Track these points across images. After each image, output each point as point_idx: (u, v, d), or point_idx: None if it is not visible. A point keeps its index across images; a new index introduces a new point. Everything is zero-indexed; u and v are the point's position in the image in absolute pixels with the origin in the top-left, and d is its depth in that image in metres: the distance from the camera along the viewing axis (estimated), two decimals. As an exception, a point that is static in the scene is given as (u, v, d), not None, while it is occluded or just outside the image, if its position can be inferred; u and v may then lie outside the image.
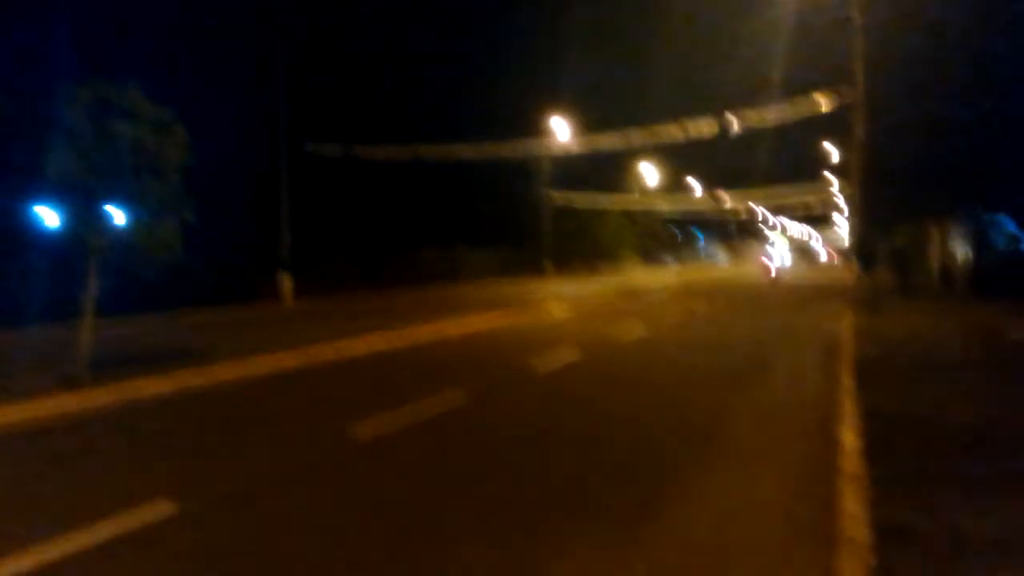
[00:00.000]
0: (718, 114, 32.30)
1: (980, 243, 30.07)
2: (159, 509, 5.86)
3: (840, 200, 71.90)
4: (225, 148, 33.21)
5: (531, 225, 53.03)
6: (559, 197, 55.39)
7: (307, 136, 36.02)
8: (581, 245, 61.72)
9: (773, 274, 45.82)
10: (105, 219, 11.61)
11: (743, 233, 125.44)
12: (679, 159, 71.96)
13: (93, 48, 31.63)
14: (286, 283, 29.79)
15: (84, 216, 11.47)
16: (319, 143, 37.36)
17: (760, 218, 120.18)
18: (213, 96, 35.24)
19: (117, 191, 11.31)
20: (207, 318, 23.06)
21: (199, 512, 5.89)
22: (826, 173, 65.28)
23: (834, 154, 53.83)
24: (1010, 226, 30.64)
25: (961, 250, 32.62)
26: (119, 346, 15.32)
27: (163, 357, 13.58)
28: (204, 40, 38.90)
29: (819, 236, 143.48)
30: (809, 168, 70.57)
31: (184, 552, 5.13)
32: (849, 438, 7.21)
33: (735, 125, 30.92)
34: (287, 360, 13.48)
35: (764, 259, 53.35)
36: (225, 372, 12.25)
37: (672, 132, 34.38)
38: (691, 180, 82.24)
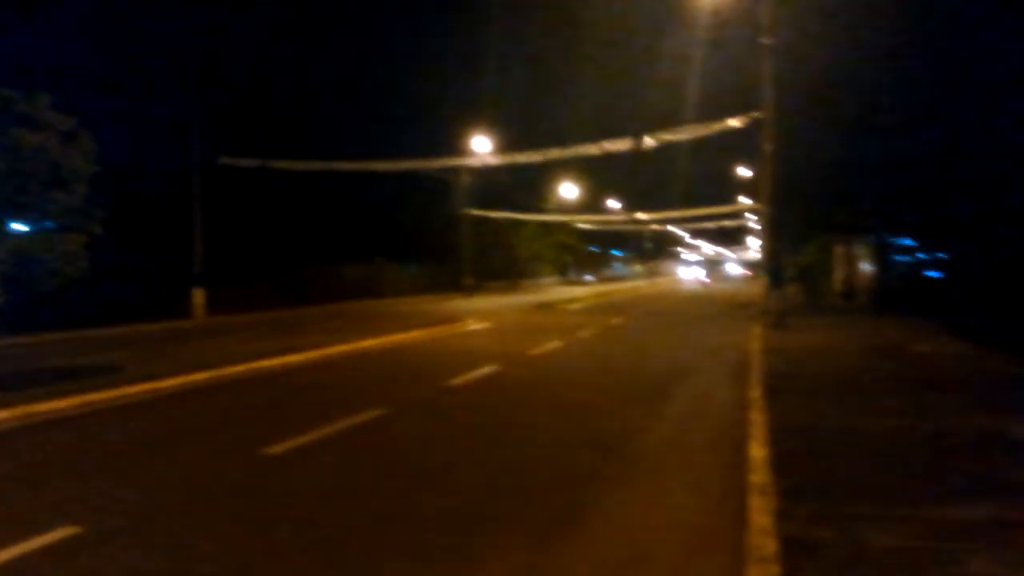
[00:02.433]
0: (634, 133, 32.83)
1: (882, 261, 31.24)
2: (61, 532, 5.64)
3: (751, 220, 73.92)
4: (136, 160, 32.37)
5: (451, 241, 53.06)
6: (479, 214, 55.53)
7: (222, 151, 35.32)
8: (500, 261, 62.05)
9: (707, 281, 74.69)
10: (6, 230, 11.16)
11: (658, 251, 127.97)
12: (598, 179, 73.14)
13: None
14: (199, 298, 29.06)
15: (-18, 227, 11.01)
16: (235, 157, 36.62)
17: (675, 236, 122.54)
18: (123, 107, 34.35)
19: (19, 201, 10.89)
20: (114, 334, 22.32)
21: (104, 535, 5.69)
22: (741, 198, 66.98)
23: (746, 175, 55.39)
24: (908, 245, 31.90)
25: (864, 268, 33.84)
26: (21, 363, 14.72)
27: (68, 375, 13.11)
28: (114, 50, 37.96)
29: (732, 254, 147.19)
30: (723, 190, 72.48)
31: (85, 577, 4.95)
32: (757, 451, 7.39)
33: (649, 142, 31.47)
34: (198, 377, 13.14)
35: (698, 275, 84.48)
36: (132, 389, 11.87)
37: (589, 150, 34.81)
38: (610, 200, 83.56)
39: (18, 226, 11.51)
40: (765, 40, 22.21)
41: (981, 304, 21.73)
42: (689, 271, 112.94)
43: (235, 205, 36.69)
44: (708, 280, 79.12)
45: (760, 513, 5.60)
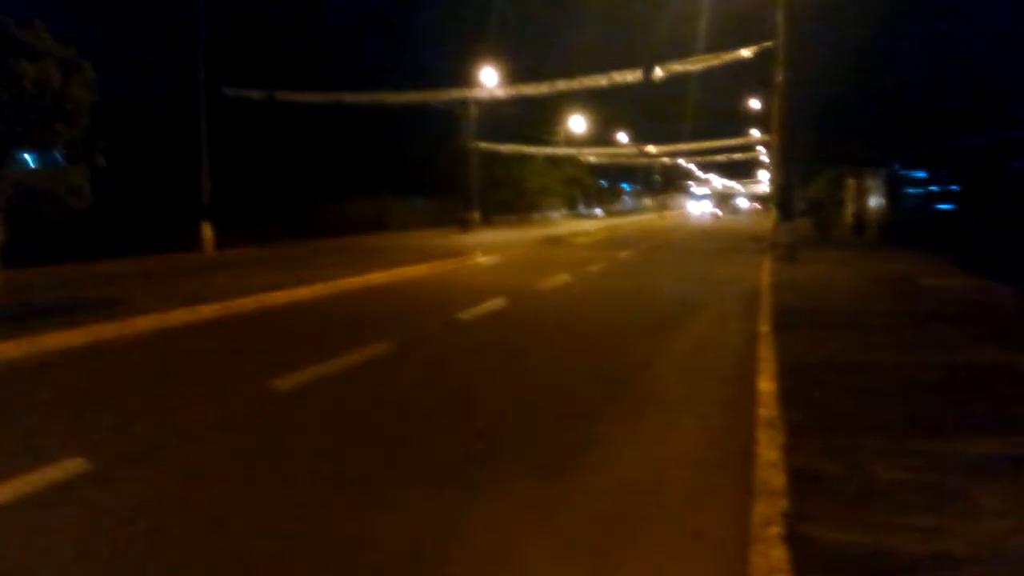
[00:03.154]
0: (644, 64, 32.29)
1: (893, 194, 30.93)
2: (69, 466, 5.65)
3: (762, 153, 73.16)
4: (141, 90, 31.99)
5: (459, 175, 52.67)
6: (487, 147, 55.04)
7: (228, 82, 34.80)
8: (508, 195, 61.74)
9: (720, 215, 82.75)
10: (9, 163, 11.02)
11: (668, 184, 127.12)
12: (608, 111, 72.25)
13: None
14: (207, 232, 28.98)
15: (-15, 160, 10.85)
16: (241, 89, 36.15)
17: (685, 170, 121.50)
18: (127, 36, 33.85)
19: (21, 133, 10.71)
20: (122, 267, 22.33)
21: (112, 468, 5.70)
22: (752, 131, 66.11)
23: (758, 107, 54.58)
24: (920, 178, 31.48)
25: (875, 201, 33.53)
26: (28, 296, 14.74)
27: (75, 308, 13.10)
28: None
29: (742, 187, 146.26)
30: (735, 122, 71.64)
31: (96, 509, 4.96)
32: (766, 385, 7.36)
33: (659, 73, 30.94)
34: (206, 310, 13.14)
35: (709, 209, 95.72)
36: (140, 323, 11.87)
37: (598, 81, 34.28)
38: (620, 133, 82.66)
39: (23, 159, 11.39)
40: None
41: (992, 237, 21.51)
42: (698, 205, 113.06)
43: (242, 138, 36.34)
44: (719, 213, 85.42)
45: (768, 447, 5.57)
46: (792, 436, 5.76)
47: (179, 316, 12.57)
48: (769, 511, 4.47)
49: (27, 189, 10.92)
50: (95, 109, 11.39)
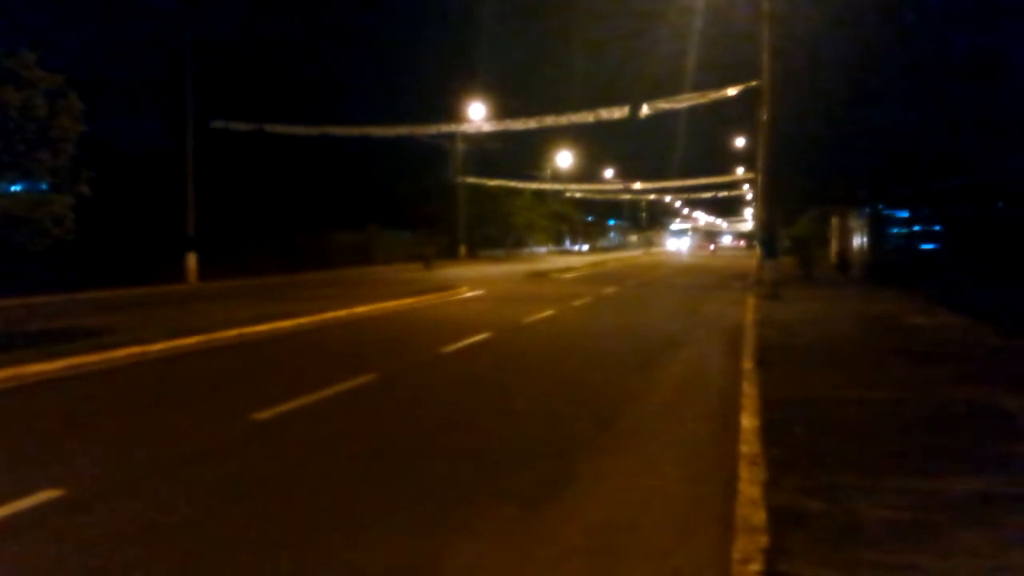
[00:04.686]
0: (631, 101, 32.54)
1: (877, 234, 31.17)
2: (44, 495, 5.57)
3: (748, 192, 73.85)
4: (127, 121, 32.09)
5: (446, 208, 52.87)
6: (474, 182, 55.33)
7: (216, 114, 34.93)
8: (495, 229, 61.96)
9: (712, 248, 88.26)
10: (-10, 190, 10.99)
11: (654, 220, 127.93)
12: (594, 148, 72.91)
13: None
14: (191, 263, 28.88)
15: (-33, 187, 10.79)
16: (228, 121, 36.27)
17: (671, 207, 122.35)
18: (114, 67, 34.00)
19: (5, 161, 10.68)
20: (106, 297, 22.21)
21: (87, 498, 5.62)
22: (738, 170, 66.82)
23: (743, 146, 55.19)
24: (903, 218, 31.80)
25: (859, 240, 33.79)
26: (8, 325, 14.61)
27: (55, 337, 13.00)
28: (106, 7, 37.54)
29: (727, 224, 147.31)
30: (721, 160, 72.45)
31: (69, 539, 4.88)
32: (748, 421, 7.34)
33: (645, 111, 31.14)
34: (187, 341, 13.05)
35: (710, 245, 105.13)
36: (121, 353, 11.77)
37: (585, 117, 34.53)
38: (607, 169, 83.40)
39: (9, 187, 11.35)
40: (763, 5, 21.95)
41: (975, 276, 21.67)
42: (678, 241, 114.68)
43: (229, 169, 36.45)
44: (713, 248, 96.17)
45: (749, 484, 5.55)
46: (774, 473, 5.74)
47: (161, 347, 12.48)
48: (749, 547, 4.44)
49: (10, 217, 10.85)
50: (82, 139, 11.38)
